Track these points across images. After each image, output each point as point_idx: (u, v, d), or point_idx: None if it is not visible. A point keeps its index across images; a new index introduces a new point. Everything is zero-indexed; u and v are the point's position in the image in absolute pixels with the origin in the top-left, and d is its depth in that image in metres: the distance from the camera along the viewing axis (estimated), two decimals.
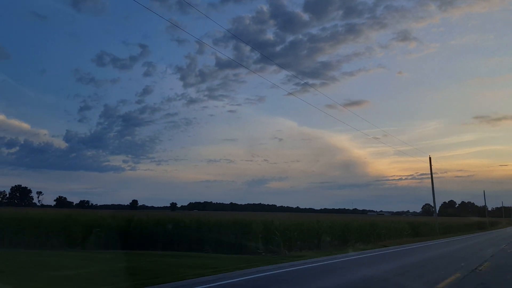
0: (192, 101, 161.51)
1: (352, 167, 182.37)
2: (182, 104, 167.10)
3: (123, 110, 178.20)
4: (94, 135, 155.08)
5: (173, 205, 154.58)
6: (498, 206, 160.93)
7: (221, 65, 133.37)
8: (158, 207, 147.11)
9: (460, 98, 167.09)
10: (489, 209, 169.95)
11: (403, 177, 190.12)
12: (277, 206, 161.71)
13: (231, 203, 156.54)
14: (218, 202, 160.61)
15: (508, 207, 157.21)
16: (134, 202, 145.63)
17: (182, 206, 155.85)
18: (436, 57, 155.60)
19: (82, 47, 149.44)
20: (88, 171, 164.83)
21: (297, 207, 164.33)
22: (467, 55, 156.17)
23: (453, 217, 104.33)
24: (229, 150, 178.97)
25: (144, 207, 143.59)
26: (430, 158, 46.46)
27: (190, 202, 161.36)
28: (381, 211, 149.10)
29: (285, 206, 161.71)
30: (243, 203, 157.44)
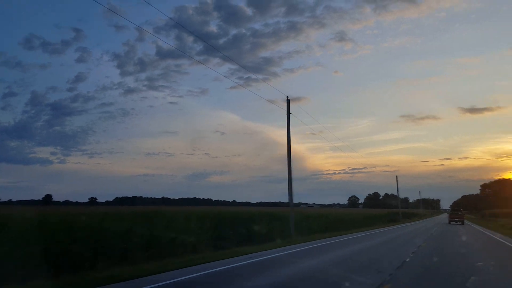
0: (130, 90, 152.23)
1: (292, 162, 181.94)
2: (119, 94, 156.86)
3: (53, 98, 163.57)
4: (19, 124, 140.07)
5: (93, 200, 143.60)
6: (419, 198, 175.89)
7: (162, 54, 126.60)
8: (74, 202, 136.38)
9: (389, 98, 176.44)
10: (411, 201, 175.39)
11: (337, 172, 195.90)
12: (213, 200, 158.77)
13: (163, 197, 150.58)
14: (149, 197, 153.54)
15: (427, 199, 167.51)
16: (48, 197, 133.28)
17: (107, 201, 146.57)
18: (370, 59, 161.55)
19: (8, 29, 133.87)
20: (10, 164, 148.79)
21: (234, 201, 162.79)
22: (397, 57, 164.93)
23: (376, 208, 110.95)
24: (169, 143, 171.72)
25: (58, 203, 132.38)
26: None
27: (117, 197, 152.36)
28: (313, 203, 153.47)
29: (222, 200, 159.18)
30: (177, 198, 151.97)
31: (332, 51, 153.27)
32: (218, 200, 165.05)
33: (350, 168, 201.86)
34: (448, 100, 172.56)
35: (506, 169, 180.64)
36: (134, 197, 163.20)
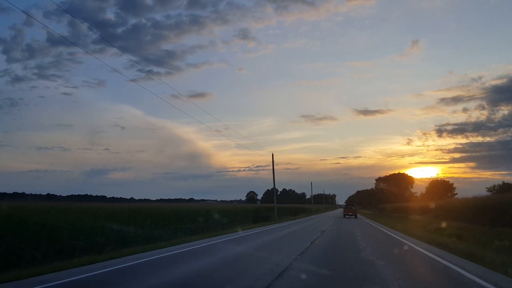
0: (18, 79, 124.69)
1: (197, 159, 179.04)
2: (6, 82, 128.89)
3: None
4: None
5: None
6: (315, 194, 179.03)
7: (54, 41, 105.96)
8: None
9: (290, 98, 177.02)
10: (307, 196, 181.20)
11: (242, 169, 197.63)
12: (108, 197, 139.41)
13: (48, 194, 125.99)
14: (34, 193, 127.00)
15: (322, 194, 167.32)
16: None
17: None
18: (272, 58, 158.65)
19: None
20: None
21: (132, 198, 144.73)
22: (298, 58, 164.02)
23: (272, 204, 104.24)
24: (64, 137, 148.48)
25: None
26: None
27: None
28: (216, 200, 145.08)
29: (118, 197, 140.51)
30: (65, 195, 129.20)
31: (236, 48, 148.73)
32: (113, 197, 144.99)
33: (254, 166, 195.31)
34: (344, 102, 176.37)
35: (395, 168, 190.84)
36: (15, 193, 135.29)
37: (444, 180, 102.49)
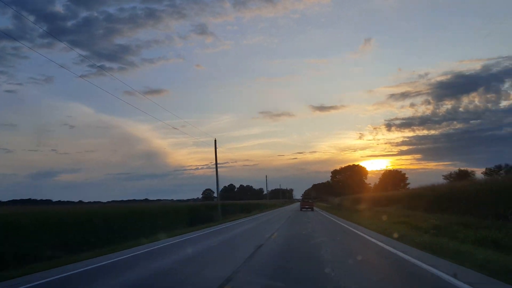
0: None
1: (153, 158, 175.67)
2: None
3: None
4: None
5: None
6: (273, 189, 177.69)
7: None
8: None
9: (249, 94, 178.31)
10: (265, 192, 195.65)
11: (199, 167, 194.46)
12: (53, 201, 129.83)
13: None
14: None
15: (279, 189, 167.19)
16: None
17: None
18: (230, 54, 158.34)
19: None
20: None
21: (80, 201, 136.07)
22: (256, 55, 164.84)
23: (232, 200, 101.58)
24: (7, 138, 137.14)
25: None
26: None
27: None
28: (172, 199, 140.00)
29: (65, 200, 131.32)
30: (7, 199, 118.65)
31: (193, 44, 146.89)
32: (60, 200, 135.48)
33: (212, 163, 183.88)
34: (301, 98, 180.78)
35: (348, 161, 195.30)
36: None
37: (397, 171, 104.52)
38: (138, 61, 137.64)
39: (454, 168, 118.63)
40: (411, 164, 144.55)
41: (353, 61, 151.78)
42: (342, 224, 24.73)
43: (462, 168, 57.96)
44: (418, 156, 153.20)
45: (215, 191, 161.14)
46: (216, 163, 36.29)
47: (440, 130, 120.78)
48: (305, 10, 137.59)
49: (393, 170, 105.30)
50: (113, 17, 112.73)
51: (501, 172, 50.45)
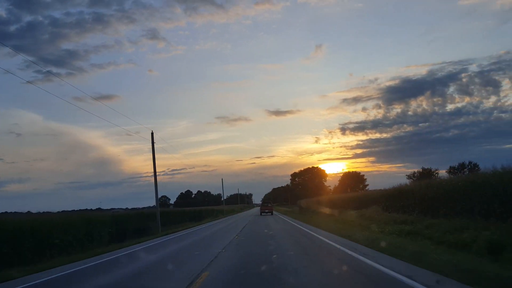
0: None
1: (106, 165, 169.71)
2: None
3: None
4: None
5: None
6: (232, 194, 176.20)
7: None
8: None
9: (205, 99, 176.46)
10: (225, 197, 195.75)
11: (157, 174, 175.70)
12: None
13: None
14: None
15: (237, 194, 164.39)
16: None
17: None
18: (183, 59, 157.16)
19: None
20: None
21: (28, 211, 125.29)
22: (209, 60, 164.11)
23: (188, 207, 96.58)
24: None
25: None
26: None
27: None
28: (126, 207, 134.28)
29: (11, 211, 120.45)
30: None
31: (144, 49, 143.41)
32: (6, 211, 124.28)
33: (170, 169, 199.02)
34: (257, 103, 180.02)
35: (305, 165, 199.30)
36: None
37: (356, 172, 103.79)
38: (87, 66, 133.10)
39: (406, 170, 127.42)
40: (366, 166, 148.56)
41: (306, 66, 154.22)
42: (312, 232, 21.04)
43: (426, 167, 56.58)
44: (372, 158, 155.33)
45: (174, 198, 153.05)
46: (154, 161, 30.02)
47: (391, 133, 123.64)
48: (257, 16, 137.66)
49: (352, 172, 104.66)
50: (59, 22, 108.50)
51: (464, 170, 49.42)
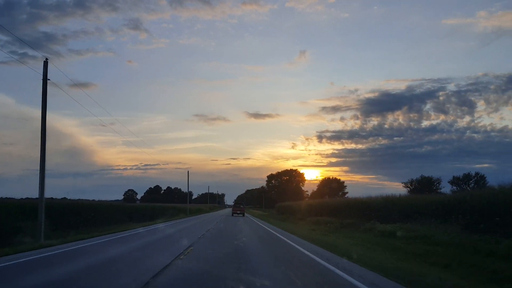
0: None
1: (78, 155, 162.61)
2: None
3: None
4: None
5: None
6: (203, 193, 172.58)
7: None
8: None
9: (184, 95, 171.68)
10: (195, 196, 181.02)
11: (129, 167, 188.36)
12: None
13: None
14: None
15: (207, 193, 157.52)
16: None
17: None
18: (165, 53, 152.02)
19: None
20: None
21: None
22: (192, 55, 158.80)
23: (157, 203, 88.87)
24: None
25: None
26: None
27: None
28: (93, 199, 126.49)
29: None
30: None
31: (125, 38, 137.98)
32: None
33: (143, 164, 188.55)
34: (236, 104, 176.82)
35: (280, 170, 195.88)
36: None
37: (336, 179, 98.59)
38: (64, 51, 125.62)
39: (377, 182, 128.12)
40: (339, 175, 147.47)
41: (289, 71, 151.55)
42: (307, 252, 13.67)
43: (425, 176, 50.71)
44: (346, 168, 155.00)
45: (140, 192, 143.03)
46: (45, 100, 21.09)
47: (366, 145, 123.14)
48: (243, 16, 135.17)
49: (332, 178, 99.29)
50: (38, 2, 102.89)
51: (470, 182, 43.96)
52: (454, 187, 45.42)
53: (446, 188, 46.04)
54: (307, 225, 30.61)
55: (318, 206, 36.35)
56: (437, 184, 48.64)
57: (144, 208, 39.82)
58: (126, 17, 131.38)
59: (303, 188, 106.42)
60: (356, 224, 23.28)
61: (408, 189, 47.85)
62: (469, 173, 47.71)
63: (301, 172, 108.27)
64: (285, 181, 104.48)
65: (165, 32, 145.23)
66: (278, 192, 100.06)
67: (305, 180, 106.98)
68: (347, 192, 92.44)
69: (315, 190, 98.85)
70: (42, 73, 16.78)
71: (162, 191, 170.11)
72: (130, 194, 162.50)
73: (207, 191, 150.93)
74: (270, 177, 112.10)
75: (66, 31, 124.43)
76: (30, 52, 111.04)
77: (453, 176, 46.32)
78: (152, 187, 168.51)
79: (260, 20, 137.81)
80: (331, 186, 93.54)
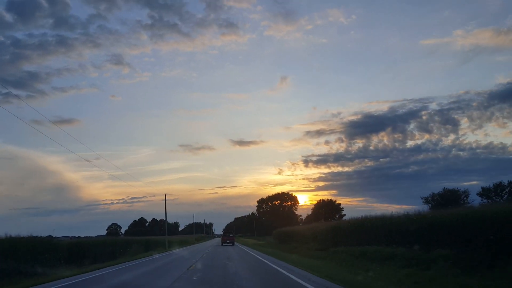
0: None
1: (64, 192, 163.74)
2: None
3: None
4: None
5: None
6: (189, 223, 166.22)
7: None
8: None
9: (168, 127, 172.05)
10: (182, 227, 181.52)
11: (115, 201, 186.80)
12: None
13: None
14: None
15: (192, 223, 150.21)
16: None
17: None
18: (148, 86, 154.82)
19: None
20: None
21: None
22: (175, 87, 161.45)
23: (141, 236, 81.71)
24: None
25: None
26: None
27: None
28: (79, 236, 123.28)
29: None
30: None
31: (108, 74, 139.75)
32: None
33: (129, 197, 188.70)
34: (221, 132, 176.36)
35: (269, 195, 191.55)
36: None
37: (331, 201, 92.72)
38: (48, 89, 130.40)
39: (367, 204, 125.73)
40: (327, 199, 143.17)
41: (271, 97, 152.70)
42: None
43: (450, 189, 44.81)
44: (334, 191, 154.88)
45: (124, 226, 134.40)
46: None
47: (353, 167, 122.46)
48: (223, 47, 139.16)
49: (328, 200, 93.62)
50: (21, 43, 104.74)
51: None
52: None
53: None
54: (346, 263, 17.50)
55: (356, 230, 21.20)
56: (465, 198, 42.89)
57: (101, 243, 27.99)
58: (108, 52, 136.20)
59: (296, 212, 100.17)
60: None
61: (430, 205, 41.61)
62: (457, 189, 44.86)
63: (293, 195, 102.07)
64: (277, 206, 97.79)
65: (147, 66, 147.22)
66: (270, 217, 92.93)
67: (298, 203, 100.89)
68: (344, 215, 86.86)
69: (310, 214, 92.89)
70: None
71: (147, 223, 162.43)
72: (114, 228, 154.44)
73: (197, 221, 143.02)
74: (261, 202, 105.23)
75: (50, 69, 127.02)
76: (14, 91, 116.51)
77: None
78: (137, 219, 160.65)
79: (240, 49, 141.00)
80: (332, 207, 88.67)
